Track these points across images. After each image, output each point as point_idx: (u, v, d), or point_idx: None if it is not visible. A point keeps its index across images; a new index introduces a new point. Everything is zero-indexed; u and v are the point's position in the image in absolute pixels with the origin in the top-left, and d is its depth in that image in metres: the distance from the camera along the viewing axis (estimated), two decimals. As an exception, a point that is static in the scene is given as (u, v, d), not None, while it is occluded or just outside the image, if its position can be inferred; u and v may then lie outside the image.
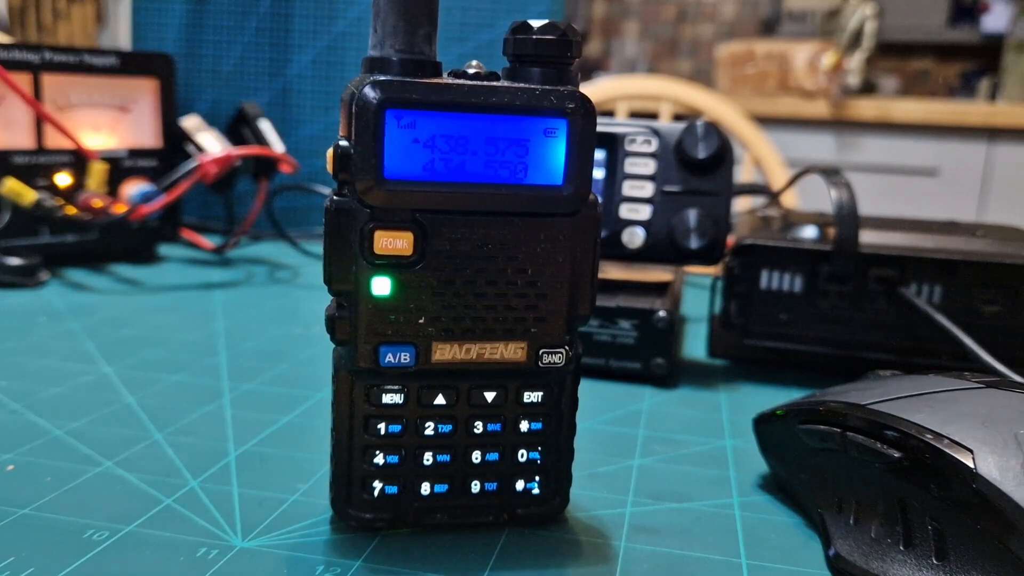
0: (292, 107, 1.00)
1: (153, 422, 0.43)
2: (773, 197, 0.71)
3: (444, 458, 0.32)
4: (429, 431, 0.32)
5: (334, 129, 0.99)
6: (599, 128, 0.56)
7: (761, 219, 0.66)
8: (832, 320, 0.55)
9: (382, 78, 0.28)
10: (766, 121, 2.42)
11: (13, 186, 0.70)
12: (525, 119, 0.29)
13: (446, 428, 0.32)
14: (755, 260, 0.56)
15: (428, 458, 0.32)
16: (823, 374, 0.57)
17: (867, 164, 2.56)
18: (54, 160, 0.75)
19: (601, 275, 0.61)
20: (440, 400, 0.31)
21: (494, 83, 0.30)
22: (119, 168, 0.79)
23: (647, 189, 0.56)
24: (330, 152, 0.30)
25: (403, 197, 0.29)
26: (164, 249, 0.88)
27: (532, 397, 0.32)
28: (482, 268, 0.30)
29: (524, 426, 0.32)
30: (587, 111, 0.30)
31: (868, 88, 2.69)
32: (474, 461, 0.32)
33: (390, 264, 0.30)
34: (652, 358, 0.54)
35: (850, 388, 0.37)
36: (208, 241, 0.88)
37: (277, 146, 0.84)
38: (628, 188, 0.56)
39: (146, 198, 0.77)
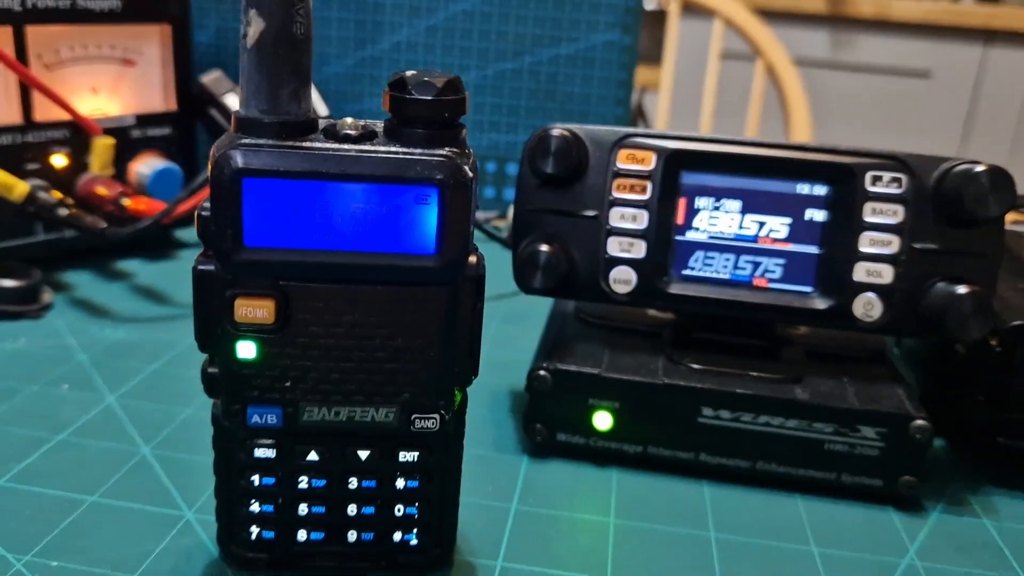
0: (315, 40, 0.82)
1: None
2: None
3: (319, 509, 0.32)
4: (303, 484, 0.32)
5: (366, 67, 0.82)
6: (824, 156, 0.43)
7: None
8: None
9: (245, 143, 0.27)
10: (762, 14, 2.26)
11: (-2, 177, 0.53)
12: (392, 188, 0.28)
13: (320, 483, 0.32)
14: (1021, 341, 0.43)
15: (303, 509, 0.32)
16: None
17: (861, 64, 2.44)
18: (47, 136, 0.58)
19: (790, 332, 0.48)
20: (313, 456, 0.31)
21: (362, 149, 0.28)
22: (126, 140, 0.62)
23: (893, 244, 0.42)
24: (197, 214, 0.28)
25: (264, 265, 0.28)
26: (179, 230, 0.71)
27: (407, 456, 0.32)
28: (348, 335, 0.30)
29: (400, 483, 0.32)
30: (458, 179, 0.28)
31: (866, -19, 2.54)
32: (350, 514, 0.32)
33: (253, 330, 0.29)
34: (900, 475, 0.41)
35: None
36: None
37: (321, 109, 0.68)
38: (867, 242, 0.42)
39: (163, 180, 0.61)
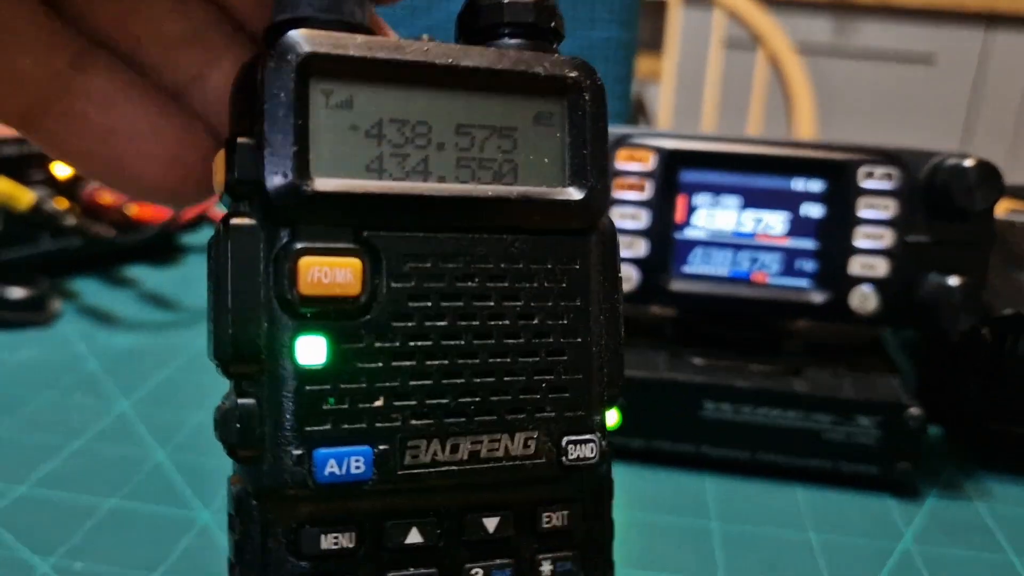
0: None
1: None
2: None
3: None
4: None
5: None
6: (819, 153, 0.43)
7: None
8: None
9: (303, 32, 0.19)
10: (764, 2, 2.26)
11: (4, 188, 0.54)
12: (508, 98, 0.20)
13: None
14: (1016, 330, 0.44)
15: None
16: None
17: (864, 51, 2.44)
18: (53, 146, 0.59)
19: (789, 325, 0.48)
20: (415, 538, 0.20)
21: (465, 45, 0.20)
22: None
23: (886, 238, 0.43)
24: (219, 157, 0.19)
25: (341, 208, 0.19)
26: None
27: (554, 519, 0.21)
28: (468, 314, 0.20)
29: (547, 569, 0.21)
30: (594, 85, 0.21)
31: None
32: None
33: (325, 313, 0.19)
34: (896, 462, 0.42)
35: None
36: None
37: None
38: (862, 236, 0.43)
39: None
